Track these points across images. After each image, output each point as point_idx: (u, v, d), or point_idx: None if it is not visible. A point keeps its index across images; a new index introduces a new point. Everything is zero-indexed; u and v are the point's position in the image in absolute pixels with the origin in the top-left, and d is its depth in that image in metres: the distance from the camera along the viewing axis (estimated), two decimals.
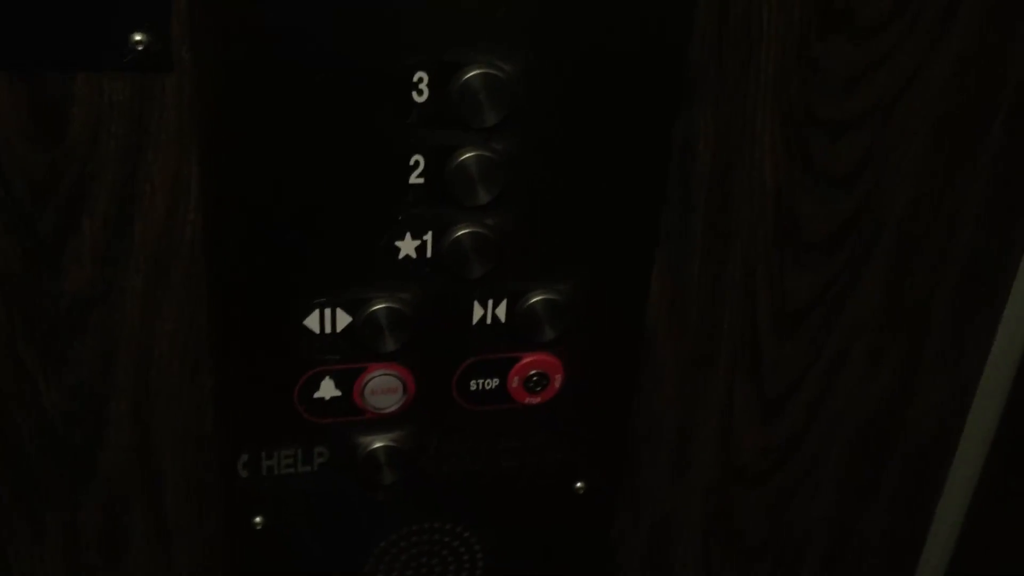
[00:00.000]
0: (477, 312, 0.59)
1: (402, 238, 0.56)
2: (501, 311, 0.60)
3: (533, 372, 0.62)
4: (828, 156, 0.61)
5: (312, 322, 0.57)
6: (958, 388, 0.74)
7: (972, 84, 0.61)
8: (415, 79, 0.52)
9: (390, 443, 0.62)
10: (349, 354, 0.59)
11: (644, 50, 0.54)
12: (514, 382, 0.62)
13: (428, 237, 0.56)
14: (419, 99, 0.52)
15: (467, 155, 0.54)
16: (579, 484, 0.67)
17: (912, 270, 0.67)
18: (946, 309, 0.69)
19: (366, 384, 0.60)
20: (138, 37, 0.48)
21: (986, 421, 0.75)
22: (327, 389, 0.59)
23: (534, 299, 0.59)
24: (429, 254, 0.57)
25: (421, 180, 0.54)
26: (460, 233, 0.56)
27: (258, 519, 0.62)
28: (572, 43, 0.52)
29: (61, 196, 0.50)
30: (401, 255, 0.56)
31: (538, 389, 0.63)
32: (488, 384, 0.62)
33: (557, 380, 0.63)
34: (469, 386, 0.62)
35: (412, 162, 0.54)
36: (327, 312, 0.57)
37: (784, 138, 0.59)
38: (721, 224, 0.61)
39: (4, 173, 0.49)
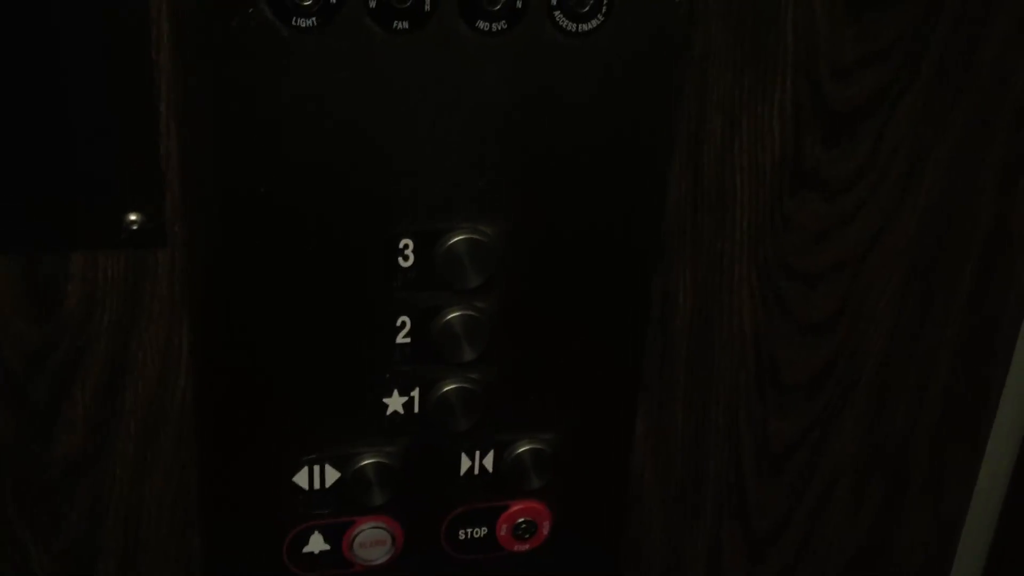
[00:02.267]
0: (464, 463, 0.60)
1: (390, 395, 0.57)
2: (488, 461, 0.60)
3: (521, 520, 0.63)
4: (804, 305, 0.62)
5: (301, 479, 0.58)
6: (942, 526, 0.74)
7: (941, 234, 0.63)
8: (400, 246, 0.53)
9: None
10: (338, 508, 0.59)
11: (622, 212, 0.56)
12: (502, 530, 0.63)
13: (415, 393, 0.57)
14: (404, 264, 0.54)
15: (452, 315, 0.55)
16: None
17: (891, 412, 0.68)
18: (925, 449, 0.71)
19: (355, 537, 0.60)
20: (133, 217, 0.50)
21: (974, 557, 0.76)
22: (316, 543, 0.60)
23: (520, 449, 0.60)
24: (416, 410, 0.58)
25: (408, 340, 0.56)
26: (447, 389, 0.57)
27: None
28: (551, 208, 0.54)
29: (54, 367, 0.52)
30: (389, 411, 0.57)
31: (527, 536, 0.63)
32: (477, 533, 0.63)
33: (545, 527, 0.63)
34: (458, 535, 0.62)
35: (399, 323, 0.55)
36: (316, 468, 0.58)
37: (761, 289, 0.61)
38: (702, 371, 0.63)
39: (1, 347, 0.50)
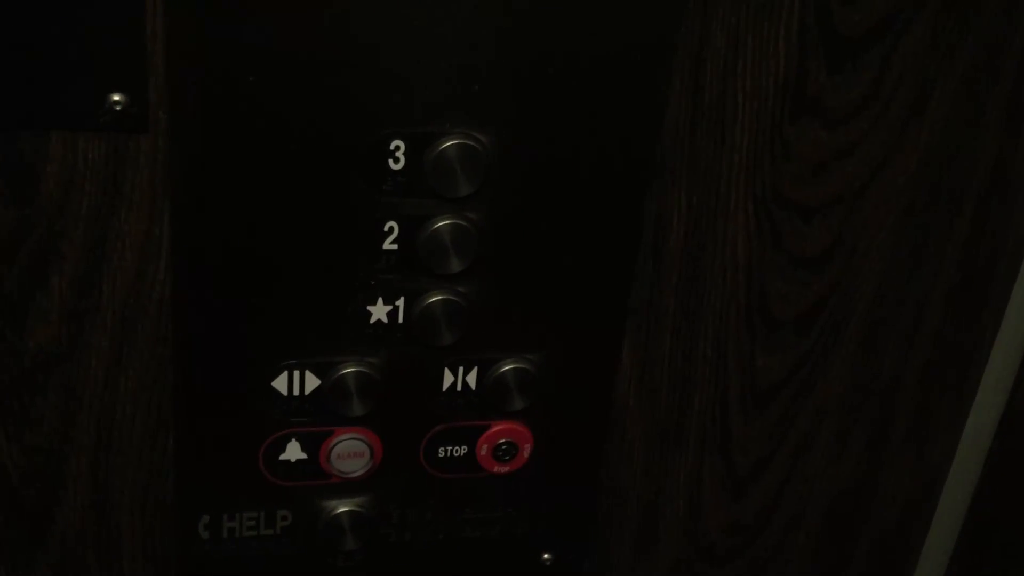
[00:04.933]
0: (447, 379, 0.59)
1: (374, 303, 0.56)
2: (471, 379, 0.60)
3: (502, 441, 0.62)
4: (798, 238, 0.61)
5: (280, 384, 0.57)
6: (926, 472, 0.74)
7: (941, 173, 0.62)
8: (392, 147, 0.52)
9: (355, 508, 0.61)
10: (316, 417, 0.58)
11: (619, 128, 0.54)
12: (483, 450, 0.62)
13: (400, 303, 0.56)
14: (395, 167, 0.52)
15: (440, 224, 0.54)
16: (546, 556, 0.67)
17: (880, 354, 0.67)
18: (913, 394, 0.70)
19: (333, 448, 0.59)
20: (116, 98, 0.48)
21: (957, 504, 0.75)
22: (293, 452, 0.59)
23: (504, 368, 0.59)
24: (400, 320, 0.57)
25: (395, 247, 0.55)
26: (432, 300, 0.56)
27: None
28: (547, 117, 0.53)
29: (28, 253, 0.50)
30: (372, 320, 0.56)
31: (507, 458, 0.62)
32: (456, 451, 0.62)
33: (526, 450, 0.62)
34: (437, 453, 0.61)
35: (387, 228, 0.54)
36: (296, 374, 0.57)
37: (756, 219, 0.60)
38: (692, 301, 0.62)
39: None
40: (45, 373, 0.53)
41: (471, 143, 0.52)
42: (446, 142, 0.52)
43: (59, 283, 0.51)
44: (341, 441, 0.59)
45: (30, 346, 0.53)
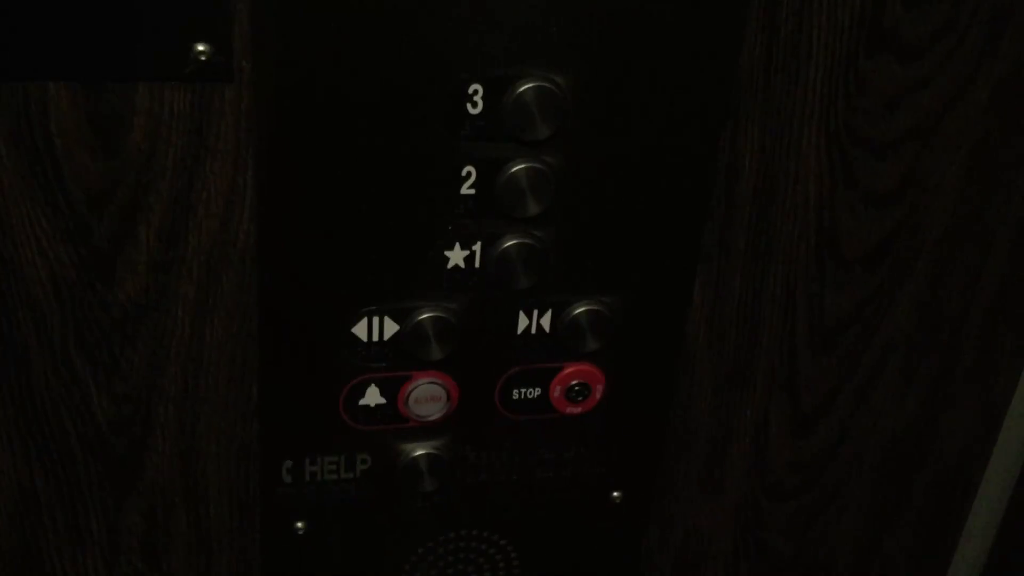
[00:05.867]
0: (522, 322, 0.60)
1: (451, 248, 0.56)
2: (546, 321, 0.60)
3: (575, 382, 0.63)
4: (870, 175, 0.61)
5: (360, 330, 0.57)
6: (987, 411, 0.74)
7: (1013, 107, 0.61)
8: (470, 91, 0.52)
9: (432, 451, 0.62)
10: (395, 362, 0.59)
11: (693, 66, 0.54)
12: (556, 392, 0.63)
13: (477, 248, 0.57)
14: (473, 111, 0.53)
15: (518, 167, 0.54)
16: (616, 494, 0.68)
17: (947, 290, 0.67)
18: (979, 331, 0.70)
19: (411, 392, 0.60)
20: (200, 48, 0.48)
21: (1016, 445, 0.76)
22: (372, 396, 0.60)
23: (578, 310, 0.60)
24: (477, 264, 0.57)
25: (472, 191, 0.55)
26: (508, 244, 0.57)
27: (300, 524, 0.63)
28: (623, 59, 0.53)
29: (118, 205, 0.51)
30: (450, 265, 0.57)
31: (580, 399, 0.63)
32: (530, 394, 0.63)
33: (598, 391, 0.63)
34: (512, 395, 0.62)
35: (464, 173, 0.54)
36: (375, 320, 0.57)
37: (828, 156, 0.60)
38: (763, 241, 0.62)
39: (64, 182, 0.50)
40: (134, 323, 0.54)
41: (549, 86, 0.52)
42: (524, 85, 0.52)
43: (147, 234, 0.52)
44: (419, 385, 0.60)
45: (119, 297, 0.53)
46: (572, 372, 0.62)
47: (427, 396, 0.61)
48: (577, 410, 0.64)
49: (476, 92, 0.52)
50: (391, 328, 0.58)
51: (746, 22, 0.54)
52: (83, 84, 0.48)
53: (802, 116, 0.58)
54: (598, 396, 0.63)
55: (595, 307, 0.60)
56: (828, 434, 0.72)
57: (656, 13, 0.52)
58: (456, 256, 0.57)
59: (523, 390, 0.62)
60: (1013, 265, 0.68)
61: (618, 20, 0.52)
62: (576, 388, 0.63)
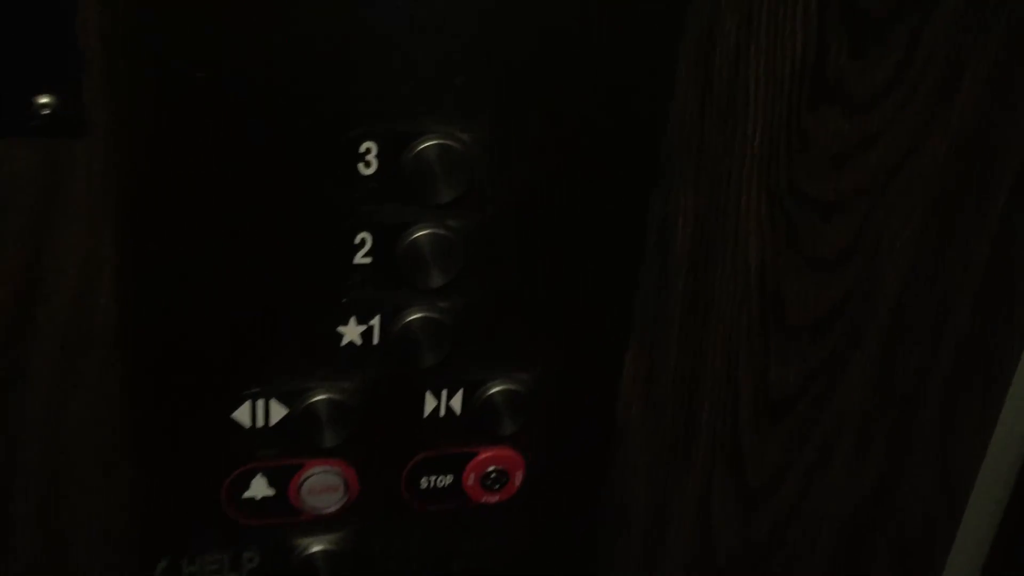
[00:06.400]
0: (429, 403, 0.53)
1: (345, 323, 0.50)
2: (456, 402, 0.54)
3: (491, 468, 0.56)
4: (817, 236, 0.55)
5: (242, 415, 0.51)
6: (949, 487, 0.69)
7: (971, 163, 0.56)
8: (362, 150, 0.46)
9: (330, 547, 0.55)
10: (285, 449, 0.52)
11: (618, 121, 0.48)
12: (470, 479, 0.56)
13: (375, 322, 0.50)
14: (366, 171, 0.46)
15: (420, 233, 0.48)
16: None
17: (903, 357, 0.62)
18: (937, 398, 0.64)
19: (303, 482, 0.53)
20: (44, 100, 0.42)
21: (985, 516, 0.70)
22: (259, 488, 0.53)
23: (492, 389, 0.54)
24: (376, 340, 0.51)
25: (368, 259, 0.48)
26: (411, 318, 0.50)
27: None
28: (537, 112, 0.47)
29: None
30: (344, 341, 0.50)
31: (496, 487, 0.57)
32: (441, 482, 0.56)
33: (518, 477, 0.57)
34: (419, 484, 0.56)
35: (358, 240, 0.48)
36: (259, 404, 0.51)
37: (770, 216, 0.54)
38: (701, 307, 0.56)
39: None
40: None
41: (452, 143, 0.46)
42: (424, 143, 0.46)
43: None
44: (313, 475, 0.53)
45: None
46: (487, 458, 0.56)
47: (322, 486, 0.54)
48: (494, 499, 0.57)
49: (369, 150, 0.46)
50: (278, 412, 0.51)
51: (676, 71, 0.49)
52: None
53: (740, 175, 0.52)
54: (517, 483, 0.57)
55: (511, 386, 0.54)
56: (776, 514, 0.66)
57: (576, 61, 0.46)
58: (351, 332, 0.50)
59: (432, 478, 0.56)
60: (974, 326, 0.63)
61: (529, 67, 0.46)
62: (492, 475, 0.56)
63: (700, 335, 0.57)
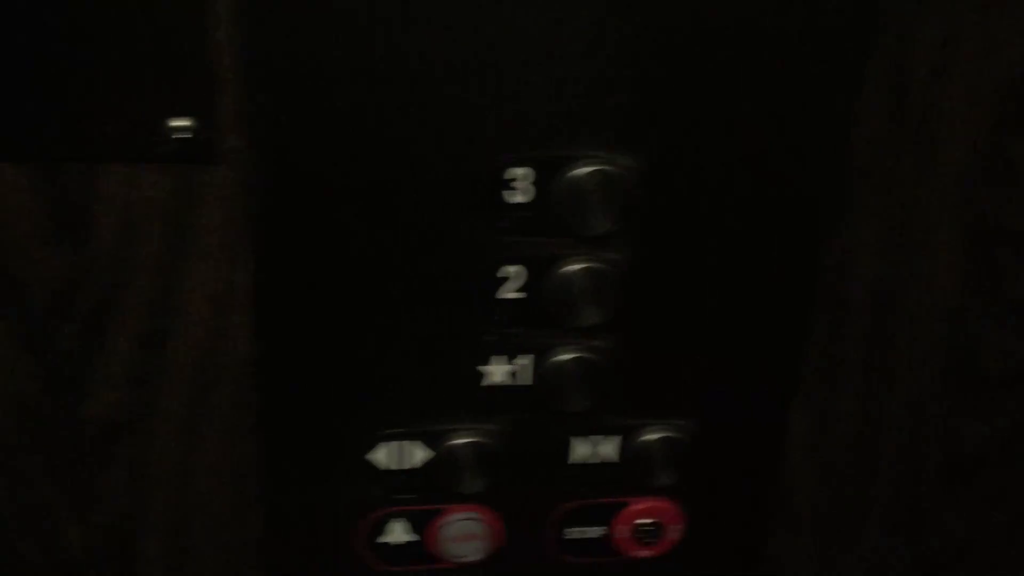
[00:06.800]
0: (580, 450, 0.49)
1: (489, 362, 0.46)
2: (609, 449, 0.50)
3: (645, 521, 0.52)
4: (1021, 277, 0.49)
5: (379, 456, 0.48)
6: None
7: None
8: (508, 177, 0.42)
9: None
10: (424, 494, 0.49)
11: (794, 145, 0.43)
12: (621, 532, 0.52)
13: (523, 362, 0.47)
14: (515, 200, 0.43)
15: (573, 267, 0.44)
16: None
17: None
18: None
19: (443, 529, 0.50)
20: (178, 123, 0.40)
21: None
22: (396, 533, 0.50)
23: (649, 436, 0.49)
24: (524, 382, 0.47)
25: (516, 295, 0.45)
26: (562, 359, 0.46)
27: None
28: (703, 135, 0.42)
29: (85, 308, 0.42)
30: (487, 382, 0.47)
31: (650, 541, 0.52)
32: (590, 533, 0.52)
33: (674, 531, 0.52)
34: (565, 534, 0.52)
35: (505, 273, 0.44)
36: (397, 446, 0.48)
37: (967, 255, 0.48)
38: (881, 353, 0.50)
39: (17, 281, 0.41)
40: (110, 444, 0.46)
41: (611, 169, 0.42)
42: (579, 168, 0.42)
43: (122, 342, 0.43)
44: (454, 522, 0.50)
45: (92, 414, 0.45)
46: (642, 509, 0.51)
47: (463, 534, 0.50)
48: (647, 553, 0.52)
49: (518, 177, 0.42)
50: (419, 454, 0.48)
51: (861, 91, 0.43)
52: (41, 166, 0.40)
53: (933, 207, 0.46)
54: (674, 537, 0.52)
55: (671, 434, 0.49)
56: None
57: (749, 81, 0.42)
58: (496, 372, 0.47)
59: (581, 529, 0.52)
60: None
61: (697, 87, 0.42)
62: (646, 528, 0.52)
63: (879, 384, 0.51)
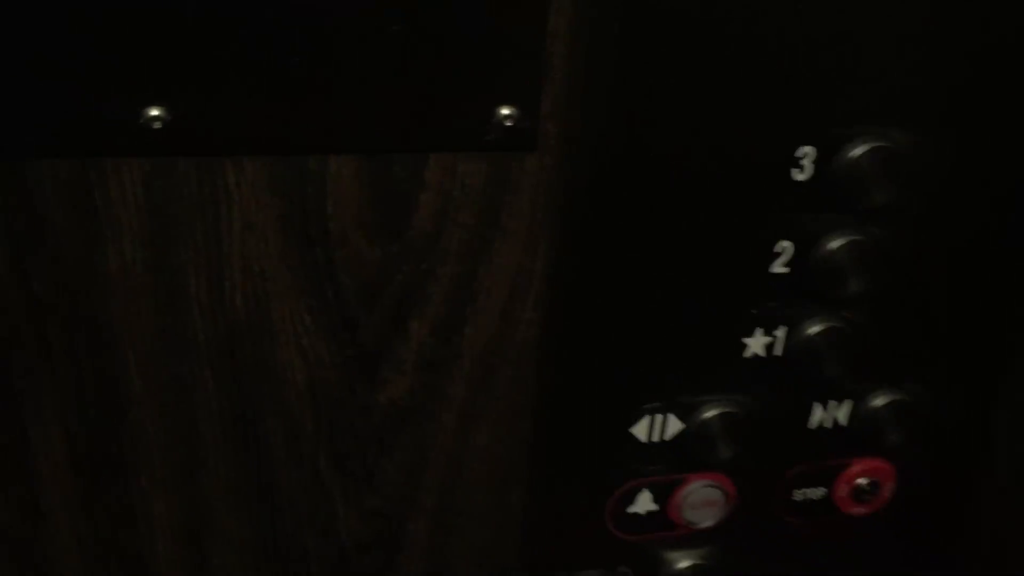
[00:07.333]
0: (816, 415, 0.51)
1: (751, 335, 0.48)
2: (842, 413, 0.52)
3: (864, 480, 0.54)
4: None
5: (640, 430, 0.49)
6: None
7: None
8: (798, 155, 0.44)
9: (699, 561, 0.54)
10: (671, 465, 0.51)
11: None
12: (842, 490, 0.54)
13: (780, 333, 0.48)
14: (800, 177, 0.44)
15: (839, 241, 0.46)
16: None
17: None
18: None
19: (686, 497, 0.52)
20: (506, 112, 0.40)
21: None
22: (644, 503, 0.51)
23: (880, 401, 0.51)
24: (778, 352, 0.49)
25: (785, 269, 0.47)
26: (816, 329, 0.48)
27: None
28: (982, 114, 0.45)
29: (392, 296, 0.43)
30: (748, 353, 0.48)
31: (866, 498, 0.55)
32: (814, 494, 0.54)
33: (888, 489, 0.55)
34: (793, 496, 0.54)
35: (777, 249, 0.46)
36: (658, 418, 0.49)
37: None
38: None
39: (335, 271, 0.41)
40: (395, 430, 0.46)
41: (889, 144, 0.44)
42: (861, 145, 0.44)
43: (420, 329, 0.44)
44: (697, 489, 0.52)
45: (381, 401, 0.45)
46: (861, 469, 0.54)
47: (703, 501, 0.52)
48: (863, 510, 0.55)
49: (806, 155, 0.44)
50: (674, 427, 0.50)
51: None
52: (369, 157, 0.40)
53: None
54: (887, 495, 0.55)
55: (900, 397, 0.51)
56: None
57: (1012, 67, 0.44)
58: (756, 344, 0.48)
59: (807, 490, 0.54)
60: None
61: (980, 60, 0.43)
62: (865, 486, 0.54)
63: None
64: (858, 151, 0.44)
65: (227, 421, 0.44)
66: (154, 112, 0.37)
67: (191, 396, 0.43)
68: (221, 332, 0.42)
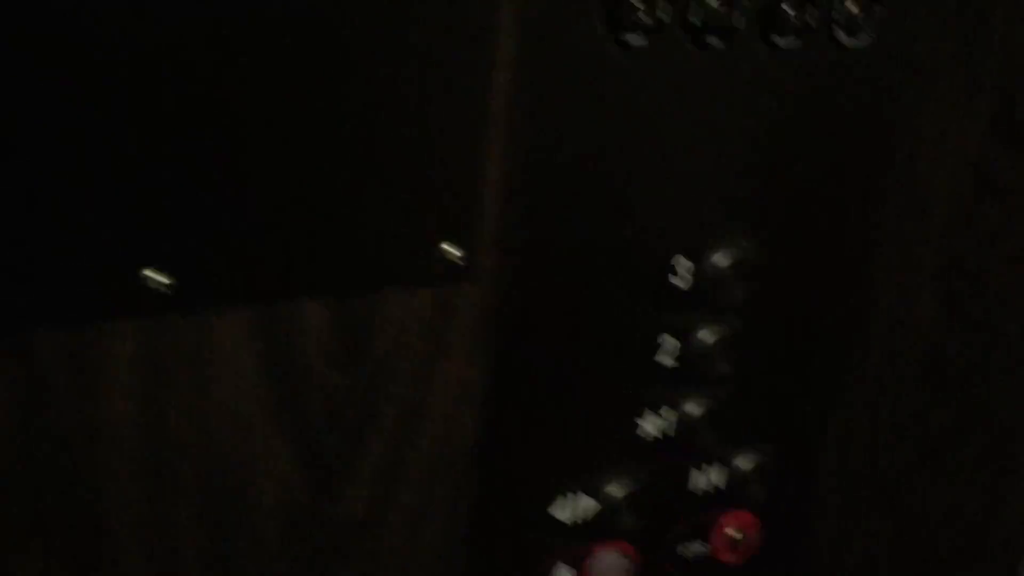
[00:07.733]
0: (696, 480, 0.60)
1: (644, 417, 0.56)
2: (717, 476, 0.61)
3: (733, 529, 0.63)
4: None
5: (557, 510, 0.56)
6: None
7: None
8: (672, 263, 0.53)
9: None
10: (587, 537, 0.57)
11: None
12: (718, 541, 0.63)
13: (666, 414, 0.57)
14: (674, 281, 0.53)
15: (712, 333, 0.55)
16: None
17: None
18: None
19: (594, 565, 0.59)
20: (449, 249, 0.47)
21: None
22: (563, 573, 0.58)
23: (745, 462, 0.61)
24: (667, 432, 0.57)
25: (665, 359, 0.55)
26: (698, 408, 0.57)
27: None
28: (804, 225, 0.56)
29: (354, 417, 0.48)
30: (641, 434, 0.56)
31: (738, 546, 0.63)
32: (697, 548, 0.62)
33: (753, 535, 0.64)
34: (676, 551, 0.62)
35: (659, 341, 0.55)
36: (570, 497, 0.56)
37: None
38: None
39: (306, 401, 0.46)
40: (349, 540, 0.50)
41: (744, 254, 0.54)
42: (720, 252, 0.54)
43: (377, 443, 0.49)
44: (601, 558, 0.59)
45: (339, 513, 0.49)
46: (730, 521, 0.63)
47: (610, 567, 0.59)
48: (735, 557, 0.64)
49: (678, 263, 0.53)
50: (586, 504, 0.57)
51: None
52: (336, 297, 0.45)
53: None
54: (753, 541, 0.64)
55: (760, 458, 0.61)
56: None
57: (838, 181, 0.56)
58: (649, 425, 0.57)
59: (688, 544, 0.62)
60: None
61: (805, 184, 0.55)
62: (736, 536, 0.63)
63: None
64: (720, 259, 0.54)
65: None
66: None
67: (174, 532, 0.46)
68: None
